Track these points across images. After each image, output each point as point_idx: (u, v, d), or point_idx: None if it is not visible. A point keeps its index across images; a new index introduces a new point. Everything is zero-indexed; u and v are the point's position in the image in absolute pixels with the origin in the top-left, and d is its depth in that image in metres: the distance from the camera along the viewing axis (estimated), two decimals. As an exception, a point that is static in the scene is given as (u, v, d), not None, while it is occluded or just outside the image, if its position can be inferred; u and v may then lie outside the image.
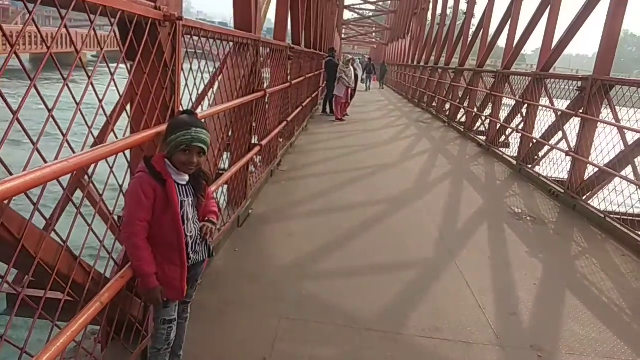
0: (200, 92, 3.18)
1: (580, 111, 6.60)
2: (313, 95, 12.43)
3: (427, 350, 2.99)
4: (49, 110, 1.49)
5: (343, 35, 45.35)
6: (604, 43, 6.45)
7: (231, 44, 3.92)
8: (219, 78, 3.84)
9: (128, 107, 2.22)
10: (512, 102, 9.86)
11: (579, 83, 6.69)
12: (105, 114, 1.99)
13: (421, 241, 4.79)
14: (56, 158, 1.50)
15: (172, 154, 2.07)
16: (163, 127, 2.22)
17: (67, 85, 1.57)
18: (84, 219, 1.76)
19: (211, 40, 3.18)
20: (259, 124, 5.17)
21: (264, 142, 5.18)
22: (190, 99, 2.85)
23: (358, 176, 7.27)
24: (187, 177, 2.15)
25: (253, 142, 4.86)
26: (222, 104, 3.40)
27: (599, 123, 6.30)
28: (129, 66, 2.14)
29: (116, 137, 1.96)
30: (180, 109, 2.66)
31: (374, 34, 55.04)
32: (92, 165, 1.73)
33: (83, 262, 1.84)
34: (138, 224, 1.96)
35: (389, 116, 16.35)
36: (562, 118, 7.39)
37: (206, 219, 2.22)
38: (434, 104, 17.79)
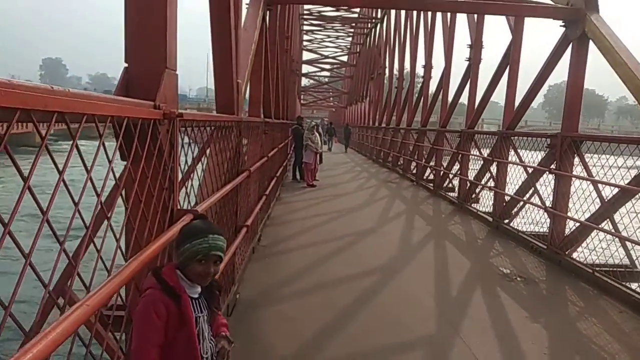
0: (191, 185, 3.01)
1: (553, 167, 6.77)
2: (284, 164, 12.42)
3: None
4: (43, 213, 1.26)
5: (302, 101, 46.51)
6: (568, 101, 6.75)
7: (210, 128, 3.83)
8: (205, 165, 3.70)
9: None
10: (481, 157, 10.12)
11: (548, 140, 6.91)
12: (115, 234, 1.79)
13: (421, 315, 4.60)
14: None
15: (187, 265, 1.87)
16: (169, 234, 2.04)
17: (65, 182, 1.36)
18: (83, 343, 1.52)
19: (201, 128, 3.07)
20: (242, 204, 5.00)
21: (249, 222, 4.99)
22: (187, 194, 2.68)
23: (341, 246, 7.10)
24: (199, 289, 1.95)
25: (239, 223, 4.67)
26: (215, 194, 3.23)
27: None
28: (126, 169, 1.98)
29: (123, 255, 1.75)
30: (177, 206, 2.49)
31: (331, 98, 56.74)
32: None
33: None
34: (151, 351, 1.72)
35: (358, 178, 16.47)
36: (534, 174, 7.56)
37: (221, 334, 2.00)
38: (400, 163, 18.11)
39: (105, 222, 1.76)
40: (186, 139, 2.92)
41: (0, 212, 1.15)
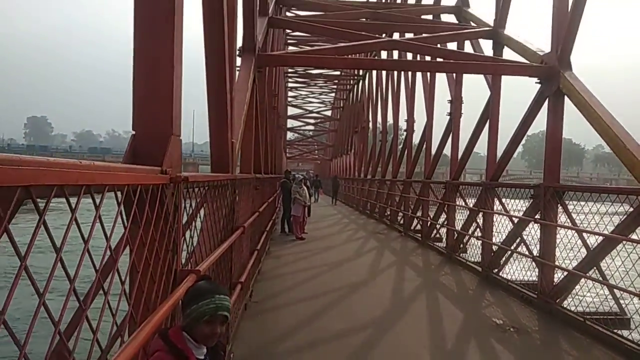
0: (192, 244, 3.07)
1: (538, 216, 6.94)
2: (273, 217, 12.47)
3: None
4: (40, 296, 1.16)
5: (288, 154, 47.11)
6: (548, 153, 7.03)
7: (207, 188, 3.92)
8: (202, 223, 3.76)
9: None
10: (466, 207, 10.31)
11: (532, 191, 7.12)
12: (127, 299, 1.84)
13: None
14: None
15: (193, 326, 1.91)
16: (176, 296, 2.08)
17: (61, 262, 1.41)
18: None
19: (201, 188, 3.17)
20: (236, 261, 5.03)
21: (243, 278, 5.00)
22: (188, 256, 2.74)
23: (333, 300, 7.08)
24: (205, 350, 1.98)
25: (233, 280, 4.68)
26: (214, 253, 3.29)
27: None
28: (138, 233, 2.05)
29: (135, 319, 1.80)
30: (180, 267, 2.54)
31: (316, 151, 57.61)
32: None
33: None
34: None
35: (346, 230, 16.52)
36: (520, 223, 7.72)
37: None
38: (387, 214, 18.26)
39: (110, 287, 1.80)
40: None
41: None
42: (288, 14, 15.18)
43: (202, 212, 3.91)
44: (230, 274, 4.61)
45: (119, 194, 1.73)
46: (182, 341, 1.89)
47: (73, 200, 1.32)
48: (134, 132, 2.48)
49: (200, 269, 2.60)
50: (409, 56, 12.83)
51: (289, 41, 20.43)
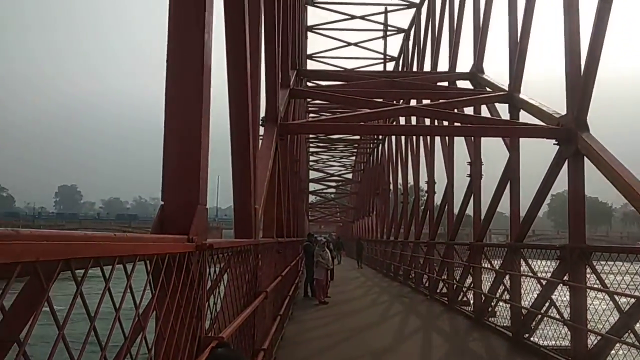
0: (215, 310, 3.12)
1: (566, 278, 6.78)
2: (296, 281, 12.40)
3: None
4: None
5: (310, 217, 47.22)
6: (572, 212, 6.96)
7: (230, 254, 4.01)
8: (224, 290, 3.82)
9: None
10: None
11: (558, 252, 6.99)
12: None
13: None
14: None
15: None
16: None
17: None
18: None
19: (225, 254, 3.25)
20: (259, 326, 5.00)
21: (265, 345, 4.95)
22: (212, 321, 2.79)
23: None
24: None
25: (256, 346, 4.64)
26: (236, 319, 3.32)
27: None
28: (165, 301, 2.12)
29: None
30: (204, 334, 2.59)
31: (338, 214, 57.63)
32: None
33: None
34: None
35: (370, 293, 16.23)
36: (549, 285, 7.52)
37: None
38: (411, 277, 17.92)
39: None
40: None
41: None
42: (309, 84, 15.83)
43: (225, 277, 3.98)
44: (252, 341, 4.58)
45: (148, 263, 1.83)
46: None
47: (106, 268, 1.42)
48: (162, 203, 2.62)
49: (223, 336, 2.63)
50: (427, 121, 13.12)
51: (310, 108, 21.14)
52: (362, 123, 10.24)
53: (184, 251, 2.20)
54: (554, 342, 7.45)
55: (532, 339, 7.95)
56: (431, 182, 16.23)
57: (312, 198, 48.63)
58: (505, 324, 9.14)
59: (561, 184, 8.39)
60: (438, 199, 15.57)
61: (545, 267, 7.84)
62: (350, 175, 44.90)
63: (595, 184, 8.15)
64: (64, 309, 1.20)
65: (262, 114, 7.65)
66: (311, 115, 20.71)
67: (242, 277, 4.03)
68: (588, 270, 6.50)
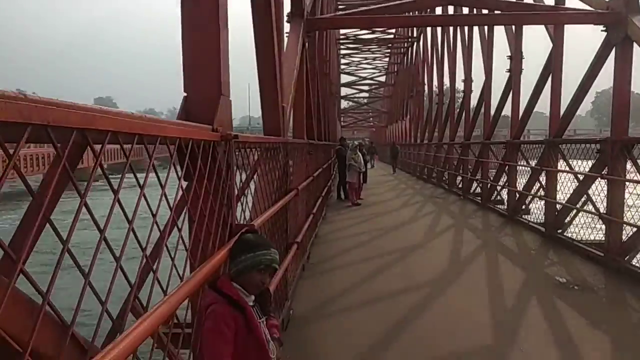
0: (245, 202, 3.20)
1: (605, 172, 6.60)
2: (328, 184, 12.60)
3: None
4: (101, 232, 1.25)
5: (342, 123, 46.93)
6: (616, 105, 6.61)
7: (260, 150, 4.03)
8: (255, 185, 3.90)
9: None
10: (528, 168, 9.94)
11: (598, 146, 6.75)
12: (185, 245, 1.96)
13: (477, 326, 4.56)
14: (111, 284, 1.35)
15: (244, 274, 2.01)
16: (230, 247, 2.20)
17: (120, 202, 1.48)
18: None
19: (253, 149, 3.27)
20: (292, 222, 5.17)
21: (299, 239, 5.14)
22: (242, 211, 2.86)
23: (389, 261, 7.13)
24: (253, 297, 2.08)
25: (289, 240, 4.83)
26: (267, 211, 3.41)
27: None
28: (185, 187, 2.16)
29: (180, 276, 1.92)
30: (236, 222, 2.66)
31: (371, 118, 56.97)
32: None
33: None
34: None
35: (402, 195, 16.41)
36: (585, 181, 7.37)
37: (273, 336, 2.12)
38: (445, 178, 17.94)
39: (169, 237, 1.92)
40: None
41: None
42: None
43: (255, 176, 4.04)
44: (286, 234, 4.76)
45: (171, 147, 1.84)
46: (235, 292, 1.96)
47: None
48: (185, 94, 2.59)
49: (255, 224, 2.71)
50: (465, 11, 12.27)
51: (339, 6, 20.10)
52: (395, 15, 9.64)
53: (209, 139, 2.20)
54: (587, 237, 7.46)
55: (565, 234, 7.98)
56: (468, 81, 15.58)
57: (344, 104, 47.96)
58: (539, 221, 9.17)
59: (606, 80, 7.87)
60: (474, 99, 15.03)
61: (582, 166, 7.64)
62: (383, 79, 43.64)
63: (640, 78, 7.58)
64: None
65: (287, 9, 7.31)
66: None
67: (272, 173, 4.08)
68: (628, 165, 6.29)
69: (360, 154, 13.78)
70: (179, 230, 1.87)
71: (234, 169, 2.67)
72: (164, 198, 1.69)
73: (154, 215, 1.61)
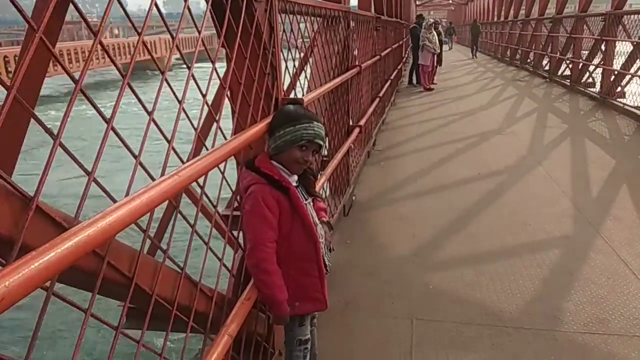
0: (294, 75, 2.85)
1: None
2: (398, 67, 11.81)
3: (596, 348, 2.49)
4: (149, 113, 1.22)
5: (417, 2, 43.39)
6: None
7: (319, 19, 3.57)
8: (311, 57, 3.51)
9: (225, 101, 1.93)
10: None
11: None
12: (211, 114, 1.70)
13: (555, 215, 4.17)
14: (163, 169, 1.23)
15: (284, 150, 1.75)
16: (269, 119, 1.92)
17: (167, 81, 1.28)
18: (202, 239, 1.49)
19: (304, 15, 2.84)
20: (354, 104, 4.80)
21: (362, 122, 4.80)
22: (293, 85, 2.53)
23: (460, 148, 6.66)
24: (296, 177, 1.84)
25: (351, 123, 4.50)
26: (322, 87, 3.05)
27: None
28: (225, 53, 1.85)
29: (224, 137, 1.67)
30: (282, 95, 2.36)
31: (449, -5, 52.08)
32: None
33: (204, 286, 1.59)
34: (268, 246, 1.67)
35: (481, 79, 15.21)
36: None
37: (322, 219, 1.91)
38: (529, 60, 16.34)
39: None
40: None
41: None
42: None
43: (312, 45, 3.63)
44: (347, 117, 4.43)
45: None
46: (276, 171, 1.74)
47: None
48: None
49: (304, 99, 2.39)
50: None
51: None
52: None
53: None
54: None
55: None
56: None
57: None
58: (637, 105, 8.12)
59: None
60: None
61: None
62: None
63: None
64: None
65: None
66: None
67: (330, 45, 3.66)
68: None
69: (435, 33, 12.57)
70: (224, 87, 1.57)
71: (280, 33, 2.30)
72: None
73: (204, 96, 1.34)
